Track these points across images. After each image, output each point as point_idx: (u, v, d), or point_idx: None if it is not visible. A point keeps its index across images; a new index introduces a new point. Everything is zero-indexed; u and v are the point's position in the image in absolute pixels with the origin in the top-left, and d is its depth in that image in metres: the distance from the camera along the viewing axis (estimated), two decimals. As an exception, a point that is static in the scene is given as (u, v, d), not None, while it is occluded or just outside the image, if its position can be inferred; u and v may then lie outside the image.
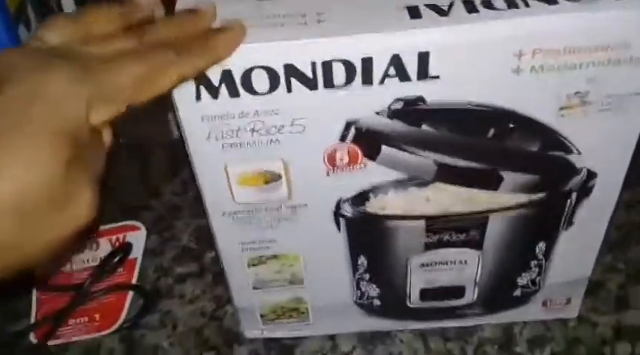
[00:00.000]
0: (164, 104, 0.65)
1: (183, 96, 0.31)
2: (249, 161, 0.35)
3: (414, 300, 0.44)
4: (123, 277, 0.52)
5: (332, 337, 0.47)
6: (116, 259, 0.51)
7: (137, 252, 0.54)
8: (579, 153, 0.35)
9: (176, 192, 0.60)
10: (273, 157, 0.35)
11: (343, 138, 0.34)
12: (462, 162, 0.35)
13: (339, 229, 0.39)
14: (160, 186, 0.60)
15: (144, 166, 0.63)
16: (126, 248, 0.52)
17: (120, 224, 0.56)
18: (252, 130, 0.33)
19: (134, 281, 0.51)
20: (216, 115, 0.32)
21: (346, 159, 0.35)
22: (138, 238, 0.55)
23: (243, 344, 0.47)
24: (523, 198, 0.37)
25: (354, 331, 0.47)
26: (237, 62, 0.30)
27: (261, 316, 0.45)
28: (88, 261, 0.53)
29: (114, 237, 0.55)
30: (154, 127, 0.66)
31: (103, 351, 0.47)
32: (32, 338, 0.47)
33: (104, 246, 0.54)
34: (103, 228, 0.56)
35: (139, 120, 0.66)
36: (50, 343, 0.47)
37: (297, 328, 0.46)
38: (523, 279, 0.43)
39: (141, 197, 0.59)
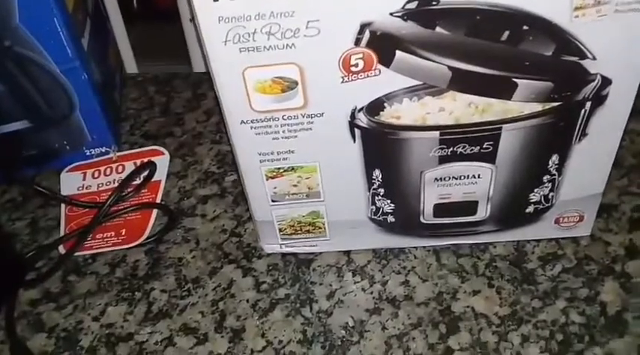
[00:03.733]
0: (184, 39, 0.66)
1: (201, -4, 0.32)
2: (265, 66, 0.36)
3: (427, 216, 0.45)
4: (147, 197, 0.54)
5: (347, 252, 0.48)
6: (141, 177, 0.53)
7: (161, 175, 0.55)
8: (594, 58, 0.35)
9: (199, 120, 0.61)
10: (289, 63, 0.35)
11: (358, 42, 0.34)
12: (476, 68, 0.36)
13: (354, 140, 0.40)
14: (183, 115, 0.62)
15: (167, 96, 0.64)
16: (150, 167, 0.54)
17: (144, 148, 0.58)
18: (269, 33, 0.34)
19: (158, 200, 0.54)
20: (233, 16, 0.33)
21: (361, 65, 0.36)
22: (162, 162, 0.56)
23: (262, 257, 0.49)
24: (536, 107, 0.38)
25: (369, 248, 0.48)
26: (252, -41, 0.30)
27: (280, 231, 0.47)
28: (114, 181, 0.55)
29: (139, 161, 0.57)
30: (176, 62, 0.68)
31: (129, 262, 0.49)
32: (61, 249, 0.50)
33: (129, 169, 0.56)
34: (128, 152, 0.58)
35: (162, 54, 0.68)
36: (78, 254, 0.49)
37: (314, 243, 0.48)
38: (536, 195, 0.44)
39: (165, 124, 0.61)
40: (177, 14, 0.63)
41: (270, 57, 0.35)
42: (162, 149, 0.58)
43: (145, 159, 0.57)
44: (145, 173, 0.54)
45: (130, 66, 0.68)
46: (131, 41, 0.67)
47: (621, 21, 0.33)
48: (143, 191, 0.54)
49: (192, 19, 0.33)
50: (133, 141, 0.59)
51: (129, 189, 0.53)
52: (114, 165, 0.57)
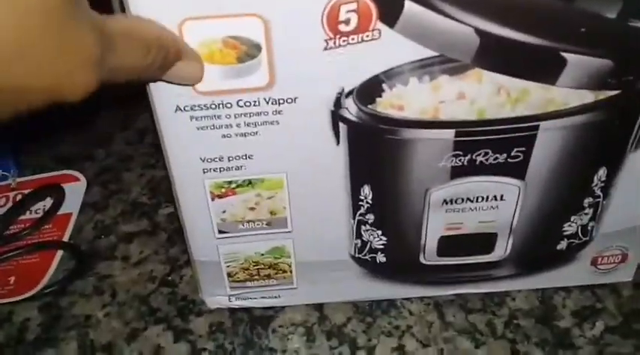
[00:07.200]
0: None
1: None
2: (213, 18, 0.24)
3: (429, 254, 0.34)
4: (51, 234, 0.40)
5: (319, 307, 0.36)
6: (45, 208, 0.40)
7: (73, 206, 0.42)
8: (672, 24, 0.26)
9: (129, 141, 0.49)
10: (248, 14, 0.24)
11: (351, -15, 0.24)
12: (513, 34, 0.25)
13: (337, 140, 0.29)
14: (110, 135, 0.49)
15: (91, 113, 0.52)
16: (54, 194, 0.41)
17: (53, 173, 0.45)
18: (221, -37, 0.23)
19: (66, 239, 0.40)
20: None
21: (354, 22, 0.25)
22: (75, 190, 0.43)
23: (202, 315, 0.36)
24: (587, 97, 0.28)
25: (349, 299, 0.36)
26: None
27: (229, 276, 0.34)
28: (6, 212, 0.41)
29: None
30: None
31: (15, 322, 0.35)
32: None
33: (30, 199, 0.42)
34: (31, 178, 0.45)
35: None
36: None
37: (275, 294, 0.35)
38: (572, 226, 0.33)
39: (85, 146, 0.48)
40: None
41: (220, 2, 0.24)
42: (77, 174, 0.45)
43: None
44: (49, 203, 0.41)
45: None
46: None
47: None
48: (46, 226, 0.41)
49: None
50: (42, 165, 0.46)
51: (25, 225, 0.40)
52: (11, 194, 0.43)
